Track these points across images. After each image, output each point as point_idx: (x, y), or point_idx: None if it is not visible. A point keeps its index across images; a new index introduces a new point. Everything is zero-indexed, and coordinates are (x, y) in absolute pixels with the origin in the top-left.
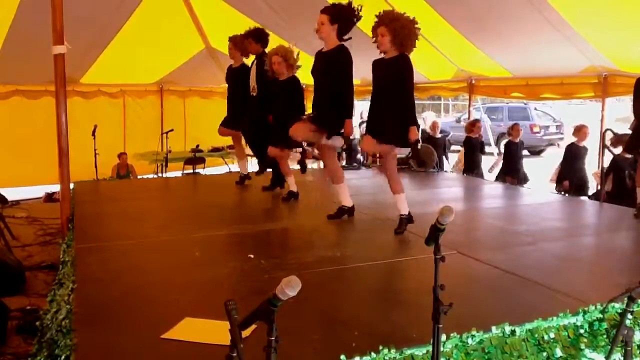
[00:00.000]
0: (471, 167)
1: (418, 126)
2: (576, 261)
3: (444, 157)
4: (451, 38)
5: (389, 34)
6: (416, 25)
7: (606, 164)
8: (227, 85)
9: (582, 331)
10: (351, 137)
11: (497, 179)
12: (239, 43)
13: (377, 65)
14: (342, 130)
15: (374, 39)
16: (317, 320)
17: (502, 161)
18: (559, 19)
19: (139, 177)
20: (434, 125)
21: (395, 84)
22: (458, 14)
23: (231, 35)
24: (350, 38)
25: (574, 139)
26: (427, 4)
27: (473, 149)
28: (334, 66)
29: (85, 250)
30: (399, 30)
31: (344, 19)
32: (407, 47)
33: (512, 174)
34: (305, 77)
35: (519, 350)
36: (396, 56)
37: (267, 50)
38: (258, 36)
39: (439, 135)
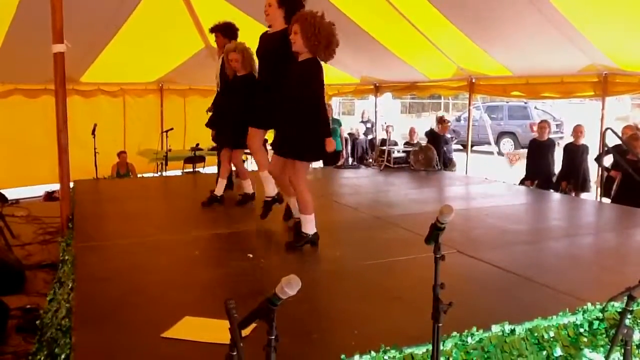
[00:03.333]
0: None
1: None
2: (576, 260)
3: (449, 155)
4: (451, 36)
5: (301, 32)
6: (334, 31)
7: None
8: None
9: (581, 330)
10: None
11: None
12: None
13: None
14: None
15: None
16: (317, 319)
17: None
18: (559, 17)
19: (138, 175)
20: (441, 121)
21: (302, 90)
22: (459, 12)
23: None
24: None
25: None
26: (428, 2)
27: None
28: (279, 50)
29: (85, 249)
30: (313, 32)
31: (291, 3)
32: (320, 52)
33: (567, 179)
34: None
35: (518, 349)
36: (307, 59)
37: None
38: (226, 30)
39: (441, 133)
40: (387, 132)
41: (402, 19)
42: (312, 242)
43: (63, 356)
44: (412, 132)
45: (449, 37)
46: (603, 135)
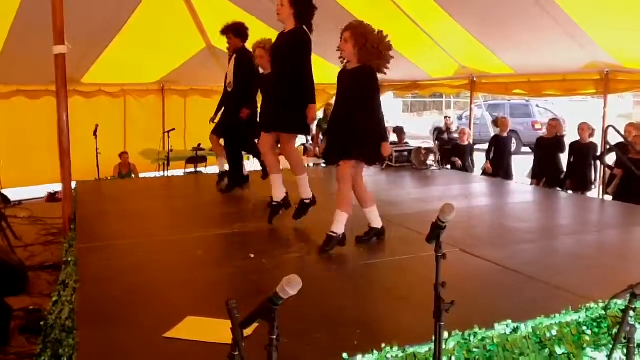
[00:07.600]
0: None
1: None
2: (578, 258)
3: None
4: (453, 34)
5: (352, 41)
6: (386, 39)
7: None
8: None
9: (584, 328)
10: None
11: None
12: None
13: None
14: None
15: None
16: (319, 319)
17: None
18: (561, 15)
19: (140, 176)
20: (461, 132)
21: (360, 97)
22: (461, 10)
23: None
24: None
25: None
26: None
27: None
28: (292, 46)
29: (87, 250)
30: (364, 42)
31: (302, 3)
32: (373, 62)
33: (571, 177)
34: None
35: (520, 348)
36: (359, 67)
37: (247, 45)
38: (237, 30)
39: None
40: (398, 135)
41: (403, 15)
42: (340, 242)
43: (66, 357)
44: None
45: (451, 34)
46: (605, 133)
